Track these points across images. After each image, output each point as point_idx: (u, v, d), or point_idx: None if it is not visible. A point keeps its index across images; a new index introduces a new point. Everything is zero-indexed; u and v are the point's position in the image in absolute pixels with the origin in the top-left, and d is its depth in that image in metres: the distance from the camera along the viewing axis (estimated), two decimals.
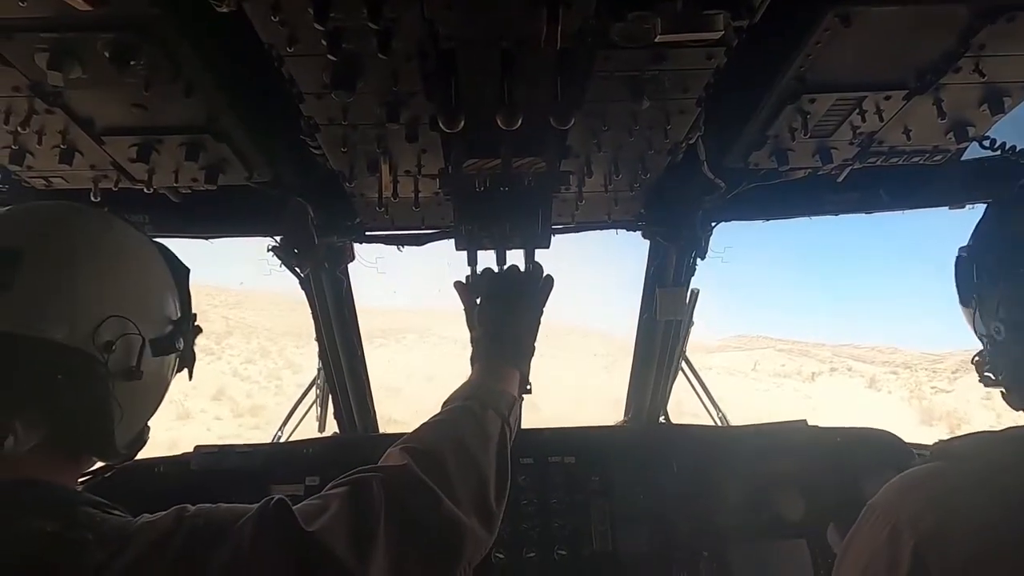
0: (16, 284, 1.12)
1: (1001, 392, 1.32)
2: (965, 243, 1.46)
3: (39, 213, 1.29)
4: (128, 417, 1.24)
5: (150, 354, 1.26)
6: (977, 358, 1.36)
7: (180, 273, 1.41)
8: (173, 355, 1.35)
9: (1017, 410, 1.28)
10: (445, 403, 1.60)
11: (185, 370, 1.44)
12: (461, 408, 1.54)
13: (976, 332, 1.38)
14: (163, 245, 1.42)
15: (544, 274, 1.95)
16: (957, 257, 1.44)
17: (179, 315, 1.37)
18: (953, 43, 1.37)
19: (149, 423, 1.36)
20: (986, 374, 1.34)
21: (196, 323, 1.45)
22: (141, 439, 1.34)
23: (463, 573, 1.33)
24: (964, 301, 1.40)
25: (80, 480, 1.32)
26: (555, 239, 2.00)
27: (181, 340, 1.35)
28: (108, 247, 1.27)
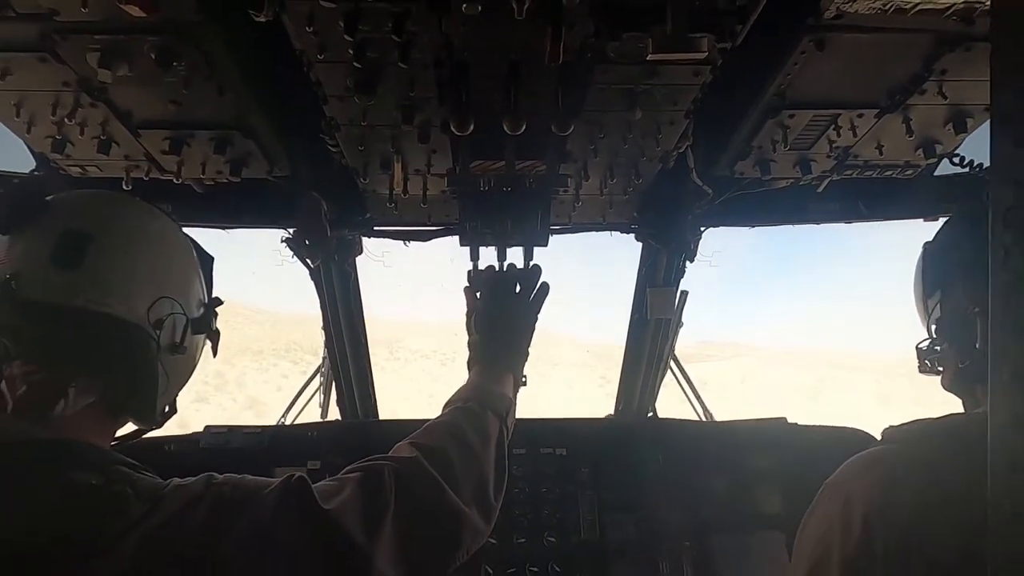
0: (86, 263, 1.24)
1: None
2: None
3: (101, 201, 1.41)
4: (169, 388, 1.38)
5: (190, 332, 1.40)
6: (921, 346, 1.50)
7: (206, 261, 1.54)
8: (204, 334, 1.49)
9: (947, 391, 1.44)
10: (446, 404, 1.71)
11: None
12: (463, 409, 1.65)
13: (924, 322, 1.53)
14: (189, 236, 1.54)
15: (541, 277, 2.03)
16: (922, 251, 1.57)
17: (208, 299, 1.52)
18: (918, 68, 1.52)
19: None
20: (925, 361, 1.49)
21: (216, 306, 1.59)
22: (173, 408, 1.48)
23: (461, 558, 1.44)
24: (917, 294, 1.54)
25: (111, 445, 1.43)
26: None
27: (212, 321, 1.50)
28: (157, 235, 1.40)
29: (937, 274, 1.49)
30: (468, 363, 1.90)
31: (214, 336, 1.55)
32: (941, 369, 1.49)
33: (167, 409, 1.45)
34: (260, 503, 1.19)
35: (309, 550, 1.19)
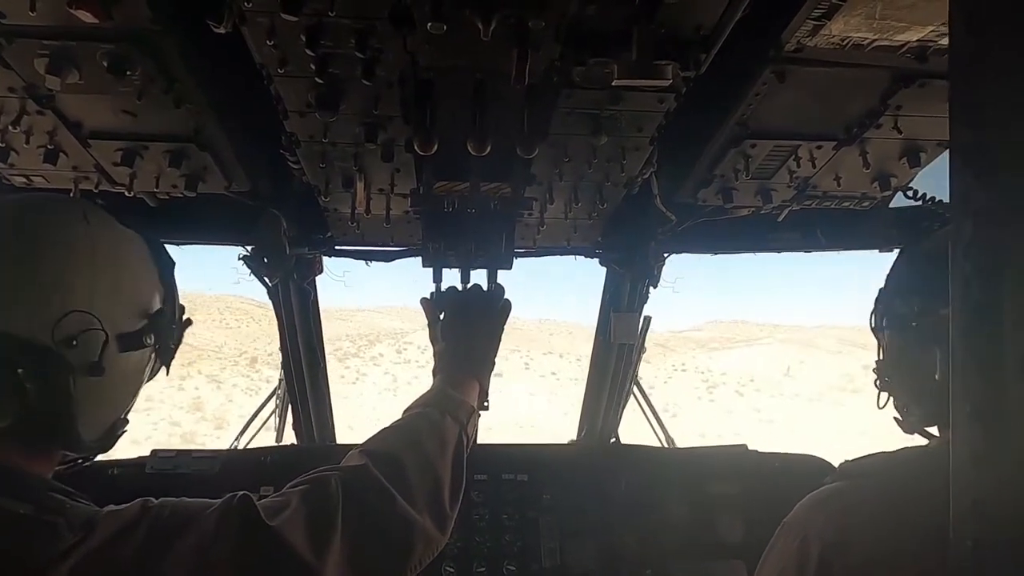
0: None
1: (895, 419, 1.48)
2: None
3: (7, 206, 1.29)
4: (93, 412, 1.24)
5: (116, 350, 1.24)
6: (879, 384, 1.51)
7: (165, 266, 1.41)
8: (146, 350, 1.33)
9: (907, 433, 1.44)
10: (406, 410, 1.67)
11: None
12: (421, 414, 1.61)
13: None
14: (151, 238, 1.40)
15: (504, 296, 2.03)
16: (876, 297, 1.59)
17: (155, 309, 1.35)
18: (875, 102, 1.57)
19: (127, 417, 1.37)
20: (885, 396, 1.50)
21: (184, 317, 1.47)
22: (113, 434, 1.34)
23: (415, 569, 1.39)
24: (876, 337, 1.56)
25: (57, 469, 1.32)
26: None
27: (152, 336, 1.33)
28: (77, 240, 1.25)
29: (883, 315, 1.50)
30: (433, 371, 1.86)
31: (164, 352, 1.40)
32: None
33: (103, 435, 1.31)
34: (201, 523, 1.15)
35: (254, 569, 1.15)
